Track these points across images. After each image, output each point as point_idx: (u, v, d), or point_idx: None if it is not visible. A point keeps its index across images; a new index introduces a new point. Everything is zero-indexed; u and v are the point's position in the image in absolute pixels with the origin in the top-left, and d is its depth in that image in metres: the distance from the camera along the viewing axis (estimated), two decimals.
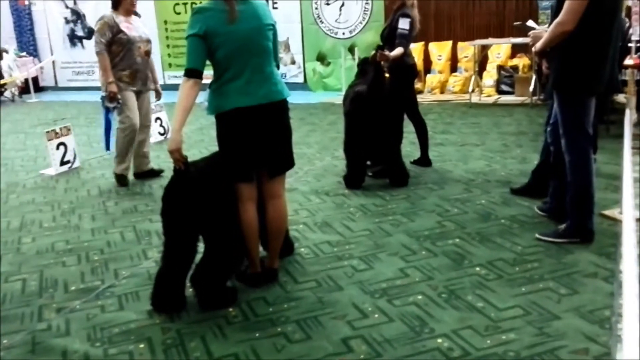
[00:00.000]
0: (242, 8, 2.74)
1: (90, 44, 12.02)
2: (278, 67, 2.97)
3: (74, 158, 5.85)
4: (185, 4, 10.72)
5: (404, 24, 4.59)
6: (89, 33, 11.99)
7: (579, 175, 3.23)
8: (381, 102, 4.40)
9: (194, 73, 2.70)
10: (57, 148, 5.67)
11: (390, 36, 4.70)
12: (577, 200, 3.25)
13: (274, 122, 2.86)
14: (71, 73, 12.44)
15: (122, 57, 4.82)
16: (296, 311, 2.76)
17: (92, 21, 11.91)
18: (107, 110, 4.91)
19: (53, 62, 12.43)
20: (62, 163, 5.72)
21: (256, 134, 2.82)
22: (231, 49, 2.71)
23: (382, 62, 4.47)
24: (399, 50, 4.56)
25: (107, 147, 5.16)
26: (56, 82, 12.66)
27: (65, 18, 12.12)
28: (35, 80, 12.05)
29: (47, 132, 5.66)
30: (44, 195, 4.97)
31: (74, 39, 12.20)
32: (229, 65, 2.75)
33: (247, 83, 2.76)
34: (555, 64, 3.25)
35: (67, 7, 12.04)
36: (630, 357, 1.44)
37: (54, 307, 2.95)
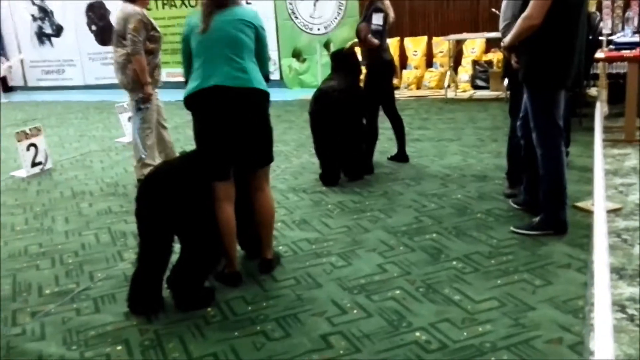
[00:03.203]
0: (221, 12, 2.83)
1: (59, 42, 11.82)
2: (267, 79, 2.96)
3: (46, 159, 5.72)
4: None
5: (377, 19, 4.63)
6: (58, 30, 11.75)
7: (551, 168, 3.28)
8: (346, 102, 4.37)
9: None
10: (28, 149, 5.54)
11: None
12: (549, 193, 3.31)
13: (243, 110, 2.83)
14: (40, 72, 12.17)
15: (156, 55, 4.60)
16: (275, 309, 2.75)
17: (60, 18, 11.67)
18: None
19: (22, 60, 12.14)
20: (34, 164, 5.59)
21: (222, 119, 2.81)
22: (203, 40, 2.82)
23: (358, 57, 4.50)
24: (374, 42, 4.63)
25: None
26: (25, 82, 12.37)
27: (33, 15, 11.83)
28: (3, 80, 11.76)
29: (17, 133, 5.53)
30: (15, 198, 4.86)
31: (42, 36, 11.92)
32: (199, 54, 2.84)
33: (213, 68, 2.81)
34: (523, 58, 3.30)
35: (33, 3, 11.75)
36: (603, 346, 1.47)
37: (29, 311, 2.90)
